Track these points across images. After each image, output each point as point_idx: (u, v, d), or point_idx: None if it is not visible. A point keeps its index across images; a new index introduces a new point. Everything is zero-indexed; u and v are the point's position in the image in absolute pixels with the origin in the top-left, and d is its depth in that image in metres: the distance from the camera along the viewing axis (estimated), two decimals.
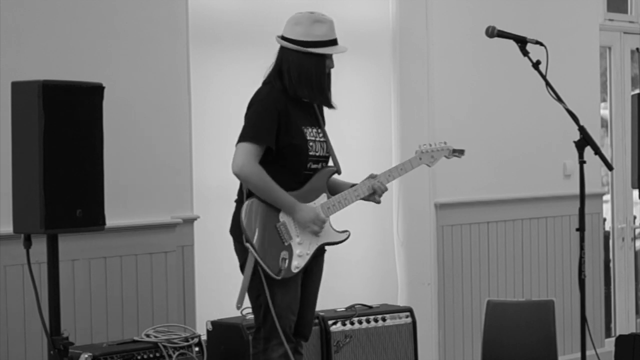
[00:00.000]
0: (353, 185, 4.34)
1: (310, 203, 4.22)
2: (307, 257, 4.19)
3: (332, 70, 4.33)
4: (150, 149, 4.91)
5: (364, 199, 4.35)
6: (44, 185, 3.77)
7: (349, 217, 4.56)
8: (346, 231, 4.30)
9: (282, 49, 4.22)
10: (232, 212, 4.26)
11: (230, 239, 4.27)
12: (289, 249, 4.15)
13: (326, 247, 4.35)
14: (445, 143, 4.50)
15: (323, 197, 4.25)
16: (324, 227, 4.23)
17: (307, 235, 4.20)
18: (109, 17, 4.77)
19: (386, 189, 4.34)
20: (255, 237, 4.10)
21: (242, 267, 4.18)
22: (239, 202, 4.20)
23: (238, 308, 4.15)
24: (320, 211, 4.21)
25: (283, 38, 4.21)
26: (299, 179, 4.22)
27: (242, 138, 4.12)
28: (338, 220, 4.33)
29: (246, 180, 4.11)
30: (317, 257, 4.32)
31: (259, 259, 4.07)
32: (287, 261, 4.12)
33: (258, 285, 4.13)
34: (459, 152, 4.52)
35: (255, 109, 4.17)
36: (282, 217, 4.16)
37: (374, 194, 4.32)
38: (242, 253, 4.18)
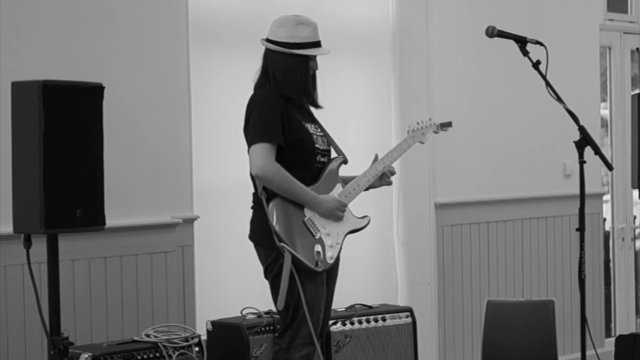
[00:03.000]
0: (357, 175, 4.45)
1: (329, 194, 4.31)
2: (339, 247, 4.29)
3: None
4: (150, 149, 4.91)
5: (374, 185, 4.46)
6: (44, 185, 3.76)
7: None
8: (366, 216, 4.43)
9: (267, 51, 4.31)
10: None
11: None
12: (321, 242, 4.23)
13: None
14: (430, 119, 4.67)
15: (338, 187, 4.37)
16: (347, 216, 4.33)
17: (334, 225, 4.28)
18: (109, 17, 4.76)
19: (394, 171, 4.50)
20: (286, 235, 4.15)
21: (267, 270, 4.21)
22: (257, 209, 4.23)
23: (280, 309, 4.19)
24: (338, 197, 4.31)
25: (268, 40, 4.26)
26: (313, 173, 4.30)
27: (254, 140, 4.16)
28: None
29: (269, 179, 4.14)
30: None
31: (297, 255, 4.13)
32: (321, 254, 4.20)
33: (288, 286, 4.16)
34: (447, 125, 4.68)
35: (258, 111, 4.21)
36: (307, 212, 4.23)
37: (383, 177, 4.46)
38: (266, 256, 4.21)
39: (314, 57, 4.29)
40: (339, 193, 4.32)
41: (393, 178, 4.55)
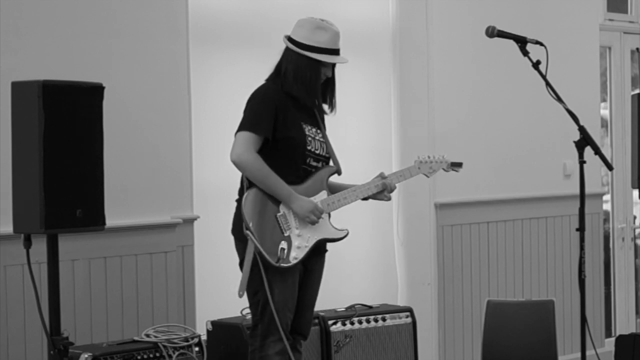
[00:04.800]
0: (353, 186, 4.38)
1: (310, 198, 4.25)
2: (306, 250, 4.22)
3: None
4: (150, 149, 4.91)
5: (371, 197, 4.39)
6: (44, 185, 3.77)
7: (350, 217, 4.56)
8: (345, 229, 4.33)
9: (285, 48, 4.29)
10: (233, 212, 4.27)
11: (230, 238, 4.28)
12: (288, 240, 4.18)
13: (327, 248, 4.38)
14: (443, 157, 4.58)
15: (323, 194, 4.29)
16: (324, 223, 4.27)
17: (307, 227, 4.23)
18: (109, 17, 4.77)
19: (395, 187, 4.42)
20: (255, 226, 4.12)
21: (242, 264, 4.20)
22: (240, 202, 4.22)
23: (240, 296, 4.17)
24: (318, 202, 4.25)
25: (289, 39, 4.27)
26: (299, 174, 4.25)
27: (242, 127, 4.18)
28: (339, 220, 4.34)
29: (244, 168, 4.14)
30: (319, 257, 4.35)
31: (258, 245, 4.09)
32: (285, 251, 4.16)
33: (256, 281, 4.14)
34: (457, 166, 4.59)
35: (253, 102, 4.24)
36: (282, 208, 4.20)
37: (383, 192, 4.38)
38: (242, 251, 4.19)
39: (327, 64, 4.27)
40: (322, 200, 4.27)
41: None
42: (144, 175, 4.89)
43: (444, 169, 4.58)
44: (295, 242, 4.20)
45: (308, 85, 4.25)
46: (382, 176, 4.42)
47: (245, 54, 5.33)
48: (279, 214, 4.18)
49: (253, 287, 4.18)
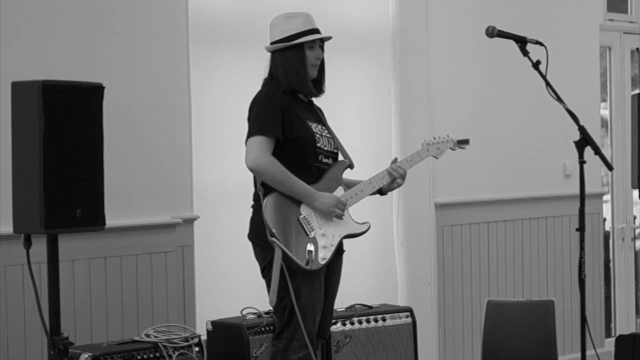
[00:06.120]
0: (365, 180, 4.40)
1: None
2: (332, 249, 4.22)
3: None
4: (150, 149, 4.91)
5: (386, 188, 4.39)
6: (44, 185, 3.76)
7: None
8: (366, 222, 4.34)
9: (271, 54, 4.31)
10: (250, 216, 4.28)
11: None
12: (314, 241, 4.18)
13: (344, 248, 4.38)
14: (448, 135, 4.60)
15: (340, 190, 4.30)
16: (345, 219, 4.27)
17: (330, 226, 4.23)
18: (109, 17, 4.77)
19: (403, 170, 4.39)
20: (279, 232, 4.11)
21: (264, 270, 4.19)
22: (257, 208, 4.22)
23: (272, 304, 4.16)
24: (338, 196, 4.25)
25: (270, 44, 4.29)
26: (313, 172, 4.25)
27: (251, 133, 4.16)
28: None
29: (262, 172, 4.12)
30: (338, 258, 4.36)
31: (287, 251, 4.08)
32: (313, 253, 4.15)
33: (282, 287, 4.14)
34: (464, 142, 4.59)
35: (258, 106, 4.22)
36: (304, 210, 4.19)
37: (394, 180, 4.38)
38: (263, 256, 4.19)
39: (310, 46, 4.27)
40: (340, 196, 4.27)
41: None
42: (144, 175, 4.89)
43: (451, 148, 4.58)
44: (321, 242, 4.19)
45: (297, 74, 4.24)
46: (394, 161, 4.42)
47: (245, 54, 5.33)
48: (300, 217, 4.18)
49: (279, 293, 4.16)
